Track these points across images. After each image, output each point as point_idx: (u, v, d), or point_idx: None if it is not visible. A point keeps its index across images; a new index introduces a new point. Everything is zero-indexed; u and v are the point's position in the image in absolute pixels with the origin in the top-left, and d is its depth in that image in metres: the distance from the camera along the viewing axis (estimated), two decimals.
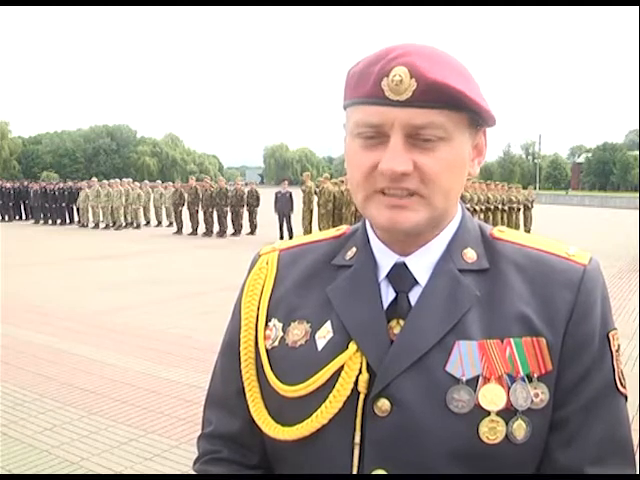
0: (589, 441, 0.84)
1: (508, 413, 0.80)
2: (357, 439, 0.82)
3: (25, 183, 28.63)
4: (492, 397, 0.80)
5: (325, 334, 0.87)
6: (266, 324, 0.92)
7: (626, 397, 0.88)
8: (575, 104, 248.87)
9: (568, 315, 0.84)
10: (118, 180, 23.42)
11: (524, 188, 21.20)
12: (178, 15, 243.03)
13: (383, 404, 0.81)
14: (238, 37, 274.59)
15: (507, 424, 0.80)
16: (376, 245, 0.91)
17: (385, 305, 0.87)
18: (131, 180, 24.78)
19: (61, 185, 25.16)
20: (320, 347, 0.86)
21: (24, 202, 25.95)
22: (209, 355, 5.85)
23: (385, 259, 0.89)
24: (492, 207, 17.78)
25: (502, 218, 18.18)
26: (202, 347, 6.18)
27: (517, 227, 18.96)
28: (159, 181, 28.86)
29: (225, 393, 0.97)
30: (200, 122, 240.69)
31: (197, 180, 20.78)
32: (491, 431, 0.80)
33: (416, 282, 0.87)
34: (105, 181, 24.35)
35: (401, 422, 0.81)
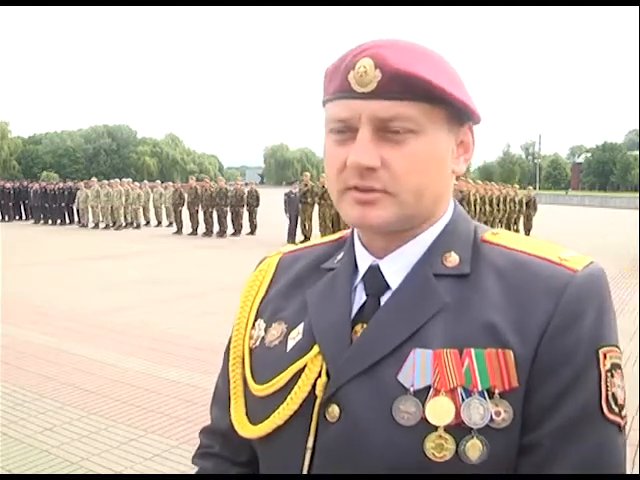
0: (562, 469, 0.74)
1: (460, 430, 0.73)
2: (310, 443, 0.80)
3: (25, 183, 28.65)
4: (439, 411, 0.74)
5: (295, 335, 0.86)
6: (253, 324, 0.94)
7: (619, 425, 0.76)
8: (575, 104, 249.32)
9: (543, 326, 0.75)
10: (117, 180, 23.45)
11: (522, 188, 21.16)
12: (178, 15, 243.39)
13: (333, 410, 0.79)
14: (238, 37, 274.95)
15: (458, 442, 0.73)
16: (358, 248, 0.88)
17: (356, 308, 0.84)
18: (131, 180, 24.81)
19: (61, 185, 25.17)
20: (289, 348, 0.86)
21: (24, 202, 25.95)
22: (209, 355, 5.85)
23: (363, 262, 0.87)
24: (493, 208, 17.80)
25: (501, 220, 18.21)
26: (202, 347, 6.18)
27: (517, 228, 18.98)
28: (159, 181, 28.87)
29: (222, 390, 0.98)
30: (200, 122, 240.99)
31: (197, 180, 20.80)
32: (438, 447, 0.73)
33: (388, 286, 0.84)
34: (105, 181, 24.39)
35: (347, 430, 0.78)
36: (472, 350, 0.75)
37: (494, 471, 0.74)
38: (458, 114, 0.82)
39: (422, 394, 0.75)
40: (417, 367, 0.76)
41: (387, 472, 0.75)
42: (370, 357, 0.78)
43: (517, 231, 18.76)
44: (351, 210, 0.81)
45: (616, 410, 0.76)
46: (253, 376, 0.89)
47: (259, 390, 0.86)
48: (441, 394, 0.74)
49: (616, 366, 0.77)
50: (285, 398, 0.82)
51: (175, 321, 7.35)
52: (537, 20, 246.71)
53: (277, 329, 0.89)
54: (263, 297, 0.96)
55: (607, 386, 0.75)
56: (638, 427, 4.07)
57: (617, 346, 0.78)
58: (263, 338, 0.91)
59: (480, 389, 0.74)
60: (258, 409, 0.86)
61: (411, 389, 0.75)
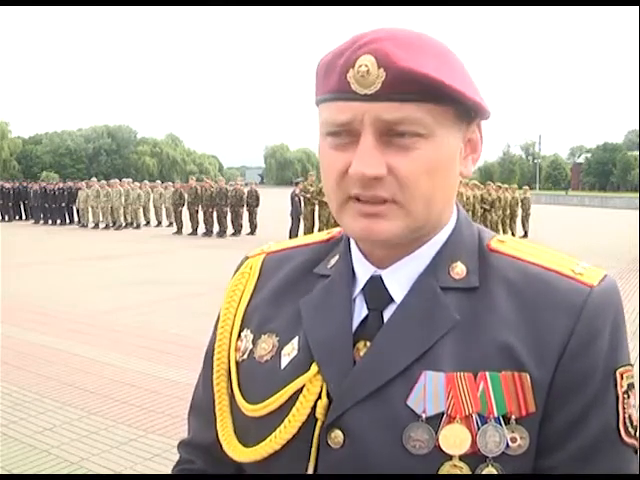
0: None
1: (475, 458, 0.69)
2: (310, 469, 0.74)
3: (25, 183, 28.69)
4: (455, 439, 0.69)
5: (290, 351, 0.79)
6: (239, 334, 0.86)
7: (635, 449, 0.73)
8: (575, 104, 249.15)
9: (561, 347, 0.71)
10: (117, 180, 23.47)
11: (519, 188, 21.15)
12: (178, 15, 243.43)
13: (336, 435, 0.73)
14: (238, 37, 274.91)
15: (473, 471, 0.69)
16: (355, 255, 0.81)
17: (356, 323, 0.78)
18: (131, 180, 24.82)
19: (61, 185, 25.21)
20: (283, 365, 0.79)
21: (24, 202, 25.98)
22: None
23: (363, 271, 0.80)
24: (490, 208, 17.83)
25: (497, 220, 18.23)
26: (202, 347, 6.08)
27: (514, 228, 19.00)
28: (159, 181, 28.87)
29: (203, 401, 0.92)
30: (200, 122, 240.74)
31: (197, 180, 20.81)
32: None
33: (392, 299, 0.77)
34: (104, 181, 24.42)
35: (352, 457, 0.72)
36: (487, 374, 0.71)
37: None
38: (466, 111, 0.75)
39: (435, 421, 0.70)
40: (429, 392, 0.71)
41: None
42: (376, 380, 0.73)
43: (513, 232, 18.79)
44: (354, 223, 0.74)
45: (632, 432, 0.73)
46: (242, 393, 0.82)
47: (251, 410, 0.80)
48: (456, 421, 0.70)
49: (631, 386, 0.74)
50: (282, 420, 0.76)
51: (175, 321, 7.34)
52: (537, 20, 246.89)
53: (268, 342, 0.82)
54: (248, 303, 0.88)
55: (624, 408, 0.72)
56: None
57: (631, 364, 0.75)
58: (252, 351, 0.83)
59: (496, 415, 0.70)
60: (250, 430, 0.80)
61: (423, 415, 0.70)
